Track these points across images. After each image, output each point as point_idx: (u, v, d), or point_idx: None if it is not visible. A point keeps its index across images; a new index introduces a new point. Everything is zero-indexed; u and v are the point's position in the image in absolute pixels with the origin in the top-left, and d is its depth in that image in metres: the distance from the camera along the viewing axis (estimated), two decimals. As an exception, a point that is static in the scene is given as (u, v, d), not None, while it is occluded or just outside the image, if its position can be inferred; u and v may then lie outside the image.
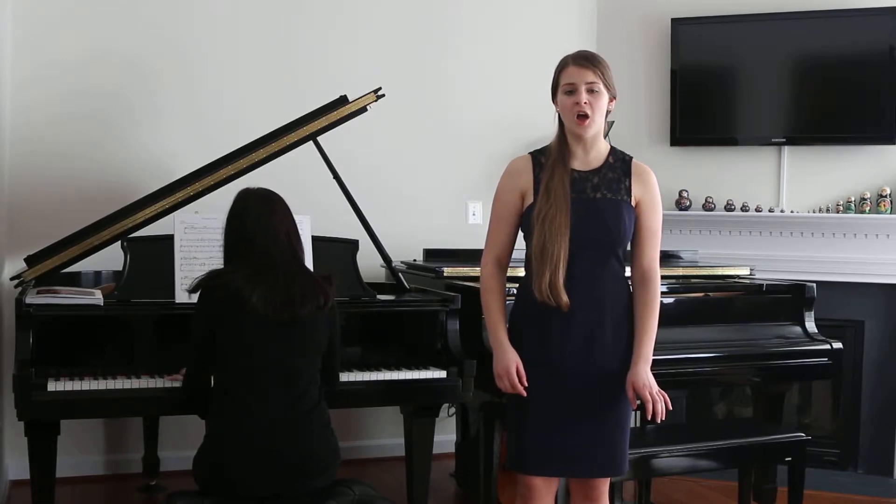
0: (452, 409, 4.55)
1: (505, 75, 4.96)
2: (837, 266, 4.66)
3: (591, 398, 2.58)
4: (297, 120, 3.57)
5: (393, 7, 4.77)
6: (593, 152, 2.62)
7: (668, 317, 3.35)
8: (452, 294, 3.40)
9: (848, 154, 4.73)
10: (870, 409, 4.72)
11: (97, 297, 3.06)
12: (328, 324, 2.75)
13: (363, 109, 3.68)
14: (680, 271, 4.09)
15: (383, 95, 3.74)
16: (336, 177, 3.62)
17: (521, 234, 2.69)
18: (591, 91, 2.55)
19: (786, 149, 4.84)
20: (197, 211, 3.40)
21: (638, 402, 2.55)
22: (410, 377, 3.25)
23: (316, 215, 3.52)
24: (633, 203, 2.60)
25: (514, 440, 2.64)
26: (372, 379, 3.22)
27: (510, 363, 2.58)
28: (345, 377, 3.16)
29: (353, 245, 3.54)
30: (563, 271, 2.51)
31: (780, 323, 3.90)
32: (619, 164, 2.63)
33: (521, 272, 2.68)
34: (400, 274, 3.69)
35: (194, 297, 2.71)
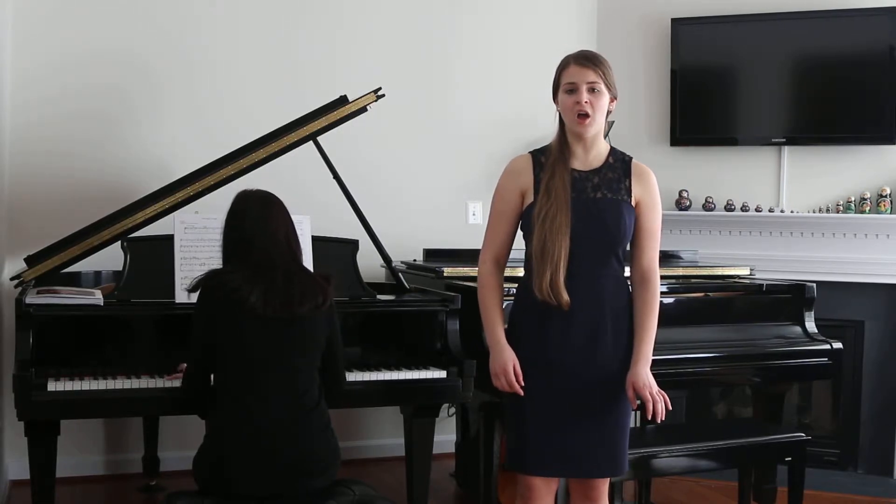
0: (452, 409, 4.55)
1: (505, 75, 4.96)
2: (837, 266, 4.66)
3: (591, 398, 2.58)
4: (297, 120, 3.57)
5: (393, 7, 4.77)
6: (593, 152, 2.63)
7: (668, 317, 3.36)
8: (452, 294, 3.40)
9: (848, 154, 4.73)
10: (870, 409, 4.72)
11: (97, 297, 3.06)
12: (327, 323, 2.75)
13: (363, 109, 3.68)
14: (680, 271, 4.09)
15: (383, 95, 3.74)
16: (336, 177, 3.62)
17: (519, 234, 2.69)
18: (592, 90, 2.55)
19: (786, 149, 4.84)
20: (197, 211, 3.40)
21: (638, 402, 2.55)
22: (410, 377, 3.25)
23: (316, 215, 3.52)
24: (633, 203, 2.61)
25: (514, 440, 2.64)
26: (372, 379, 3.21)
27: (507, 362, 2.58)
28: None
29: (353, 245, 3.54)
30: (564, 270, 2.51)
31: (780, 323, 3.90)
32: (618, 165, 2.63)
33: (521, 272, 2.68)
34: (400, 274, 3.69)
35: (194, 297, 2.71)
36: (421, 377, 3.26)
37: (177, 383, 2.91)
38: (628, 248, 2.66)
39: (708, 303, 3.85)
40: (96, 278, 3.76)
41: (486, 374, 2.68)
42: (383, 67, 4.61)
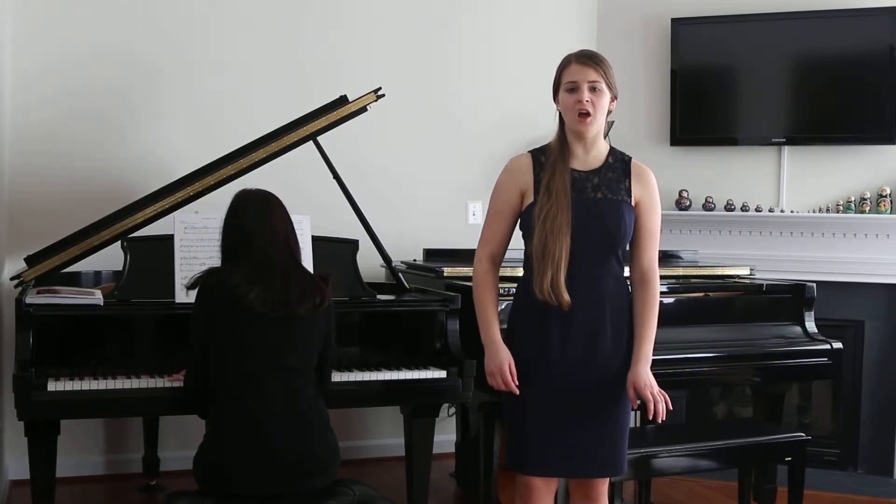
0: (452, 409, 4.55)
1: (505, 75, 4.96)
2: (837, 266, 4.66)
3: (590, 398, 2.58)
4: (297, 120, 3.57)
5: (393, 7, 4.77)
6: (593, 152, 2.63)
7: (668, 317, 3.36)
8: (452, 294, 3.40)
9: (848, 154, 4.73)
10: (870, 409, 4.72)
11: (97, 297, 3.06)
12: (325, 323, 2.75)
13: (363, 109, 3.68)
14: (680, 271, 4.09)
15: (383, 95, 3.74)
16: (336, 176, 3.62)
17: (517, 234, 2.69)
18: (593, 89, 2.55)
19: (786, 149, 4.84)
20: (197, 211, 3.40)
21: (638, 401, 2.55)
22: (410, 377, 3.25)
23: (316, 215, 3.52)
24: (632, 203, 2.61)
25: (514, 440, 2.64)
26: (372, 379, 3.22)
27: (503, 361, 2.58)
28: (345, 377, 3.17)
29: (353, 245, 3.54)
30: (565, 270, 2.51)
31: (780, 323, 3.90)
32: (618, 165, 2.63)
33: (520, 272, 2.68)
34: (400, 274, 3.69)
35: (193, 297, 2.71)
36: (421, 377, 3.26)
37: (177, 384, 2.91)
38: (628, 248, 2.66)
39: (708, 303, 3.85)
40: (96, 278, 3.76)
41: (485, 374, 2.68)
42: (383, 67, 4.61)
